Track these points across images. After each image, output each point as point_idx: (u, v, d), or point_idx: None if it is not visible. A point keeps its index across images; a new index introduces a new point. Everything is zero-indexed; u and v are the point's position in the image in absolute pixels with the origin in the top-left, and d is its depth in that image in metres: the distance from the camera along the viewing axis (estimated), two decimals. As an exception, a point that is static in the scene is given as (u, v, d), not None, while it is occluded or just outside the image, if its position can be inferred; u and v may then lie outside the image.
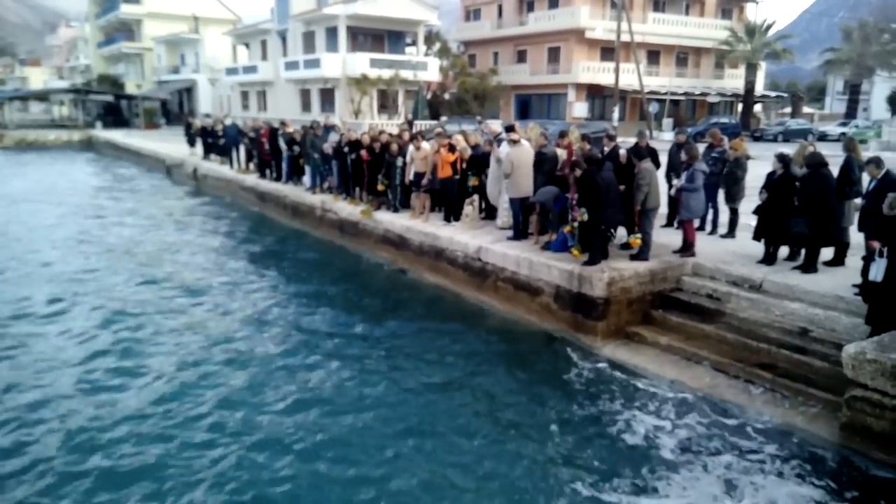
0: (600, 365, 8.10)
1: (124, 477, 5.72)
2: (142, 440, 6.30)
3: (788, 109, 51.22)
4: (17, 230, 15.94)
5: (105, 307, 10.14)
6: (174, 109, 53.48)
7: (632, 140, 10.43)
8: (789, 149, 9.24)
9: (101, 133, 43.30)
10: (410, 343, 8.92)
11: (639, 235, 9.11)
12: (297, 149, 16.69)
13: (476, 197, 12.05)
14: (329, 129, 15.79)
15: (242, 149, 20.75)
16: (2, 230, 15.86)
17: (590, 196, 8.63)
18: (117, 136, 39.49)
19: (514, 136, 10.64)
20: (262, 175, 18.88)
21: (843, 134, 32.35)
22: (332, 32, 36.37)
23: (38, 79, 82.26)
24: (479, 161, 11.63)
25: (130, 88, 56.44)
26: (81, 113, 50.50)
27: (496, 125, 14.58)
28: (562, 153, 10.63)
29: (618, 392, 7.41)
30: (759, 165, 10.84)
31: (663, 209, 10.32)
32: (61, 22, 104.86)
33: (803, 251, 8.75)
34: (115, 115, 50.52)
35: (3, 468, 5.83)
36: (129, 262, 12.98)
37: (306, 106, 39.40)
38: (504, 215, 11.34)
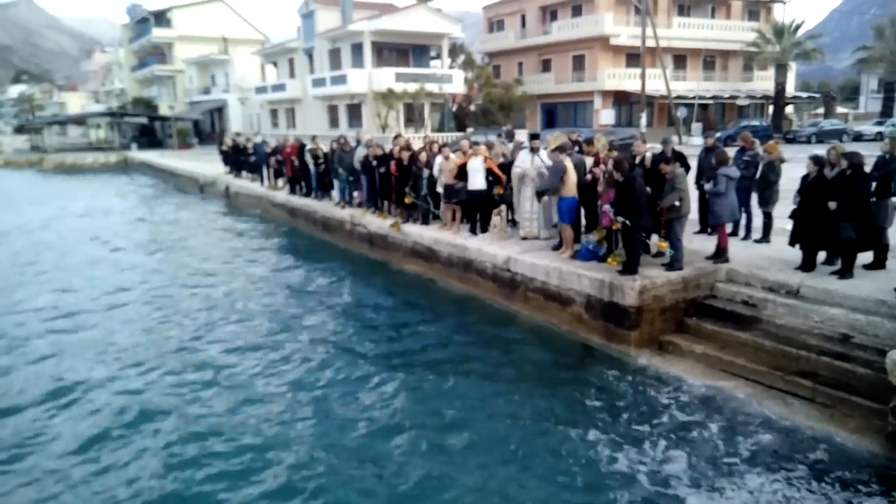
0: (634, 375, 7.98)
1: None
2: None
3: (821, 110, 50.17)
4: (67, 245, 16.46)
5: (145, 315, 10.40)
6: (206, 129, 54.72)
7: (658, 147, 10.36)
8: (823, 150, 9.03)
9: (137, 154, 44.45)
10: (444, 352, 8.93)
11: (666, 241, 8.99)
12: (322, 165, 16.92)
13: (503, 207, 12.04)
14: (359, 143, 15.92)
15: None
16: (54, 246, 16.42)
17: (630, 203, 8.54)
18: (152, 156, 40.50)
19: (535, 143, 10.95)
20: (293, 191, 19.15)
21: (880, 133, 31.62)
22: (357, 48, 36.86)
23: (75, 103, 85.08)
24: (505, 171, 11.63)
25: (164, 110, 57.95)
26: (117, 135, 52.01)
27: (521, 136, 14.68)
28: (588, 161, 10.61)
29: (652, 402, 7.29)
30: (793, 168, 10.63)
31: (694, 215, 10.18)
32: (96, 48, 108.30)
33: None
34: (149, 137, 51.97)
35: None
36: (170, 271, 13.29)
37: (334, 122, 39.92)
38: (527, 226, 11.32)
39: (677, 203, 8.80)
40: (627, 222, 8.58)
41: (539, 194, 10.70)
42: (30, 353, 9.22)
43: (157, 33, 58.80)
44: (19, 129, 70.44)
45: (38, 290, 12.57)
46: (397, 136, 14.65)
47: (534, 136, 11.40)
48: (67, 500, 5.76)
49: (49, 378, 8.29)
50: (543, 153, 10.84)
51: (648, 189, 9.02)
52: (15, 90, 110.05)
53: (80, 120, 59.50)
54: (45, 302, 11.74)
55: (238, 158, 24.37)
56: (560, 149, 9.98)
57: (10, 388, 8.03)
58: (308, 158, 17.47)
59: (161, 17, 59.70)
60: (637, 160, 9.93)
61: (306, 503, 5.68)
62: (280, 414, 7.25)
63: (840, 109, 52.81)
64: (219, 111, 54.18)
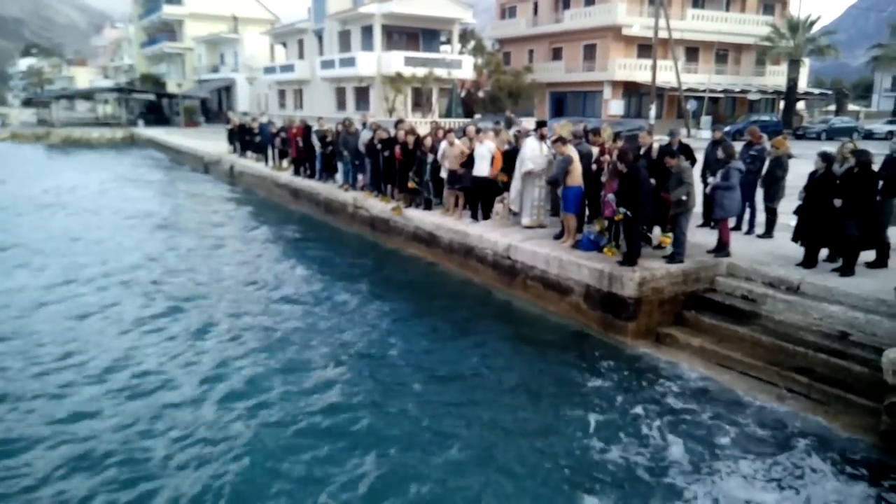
0: (630, 365, 7.97)
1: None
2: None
3: (833, 107, 49.75)
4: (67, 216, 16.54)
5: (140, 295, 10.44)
6: (213, 108, 54.63)
7: (666, 139, 10.30)
8: (833, 147, 8.95)
9: (143, 131, 44.42)
10: (438, 337, 8.93)
11: (669, 234, 8.95)
12: (329, 147, 16.85)
13: (506, 194, 11.98)
14: (364, 126, 15.85)
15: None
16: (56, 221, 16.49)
17: (633, 194, 8.49)
18: (158, 133, 40.46)
19: (543, 131, 10.81)
20: (297, 172, 19.11)
21: (891, 132, 31.32)
22: (367, 31, 36.65)
23: (84, 78, 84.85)
24: (511, 158, 11.56)
25: (171, 87, 57.80)
26: (125, 111, 52.00)
27: (528, 123, 14.57)
28: (594, 150, 10.56)
29: (647, 392, 7.28)
30: (801, 164, 10.55)
31: (698, 208, 10.12)
32: (107, 23, 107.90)
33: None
34: (156, 114, 51.93)
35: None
36: (163, 250, 13.33)
37: (341, 104, 39.79)
38: (532, 213, 11.27)
39: (684, 197, 8.74)
40: (629, 213, 8.54)
41: (549, 183, 10.65)
42: (43, 325, 9.28)
43: (168, 10, 58.52)
44: (27, 103, 70.36)
45: (41, 268, 12.63)
46: (399, 122, 14.55)
47: (540, 124, 11.32)
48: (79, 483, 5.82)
49: (50, 355, 8.35)
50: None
51: (652, 181, 8.96)
52: (24, 63, 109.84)
53: (88, 95, 59.26)
54: (49, 282, 11.78)
55: (243, 138, 24.35)
56: (561, 139, 9.90)
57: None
58: (315, 140, 17.42)
59: (172, -6, 59.41)
60: (642, 151, 9.86)
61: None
62: (263, 401, 7.24)
63: (852, 107, 52.34)
64: (227, 90, 54.05)
